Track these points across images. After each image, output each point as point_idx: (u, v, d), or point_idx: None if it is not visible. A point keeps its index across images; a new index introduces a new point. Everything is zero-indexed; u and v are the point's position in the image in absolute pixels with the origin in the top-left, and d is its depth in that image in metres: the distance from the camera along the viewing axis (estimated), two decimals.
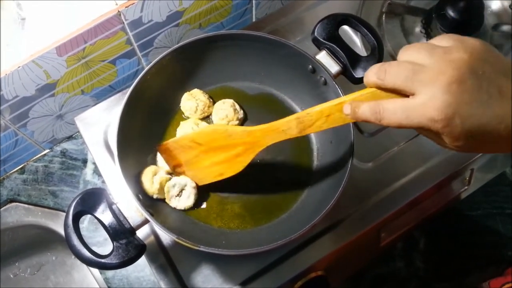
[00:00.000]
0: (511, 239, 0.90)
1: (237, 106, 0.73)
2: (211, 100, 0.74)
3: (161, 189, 0.66)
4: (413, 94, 0.44)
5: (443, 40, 0.46)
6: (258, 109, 0.75)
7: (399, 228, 0.79)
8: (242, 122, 0.74)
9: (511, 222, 0.91)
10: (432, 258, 0.88)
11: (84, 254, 0.57)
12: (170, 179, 0.67)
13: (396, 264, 0.87)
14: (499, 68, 0.43)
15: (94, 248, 0.59)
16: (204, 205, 0.69)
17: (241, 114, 0.73)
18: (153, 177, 0.65)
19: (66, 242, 0.58)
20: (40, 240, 0.88)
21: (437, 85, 0.42)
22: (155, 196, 0.65)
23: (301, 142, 0.73)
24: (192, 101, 0.72)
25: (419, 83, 0.43)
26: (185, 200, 0.67)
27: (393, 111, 0.45)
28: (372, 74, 0.47)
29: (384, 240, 0.78)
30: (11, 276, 0.90)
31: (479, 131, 0.42)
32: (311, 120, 0.56)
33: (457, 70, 0.42)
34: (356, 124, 0.78)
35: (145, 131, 0.71)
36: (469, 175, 0.81)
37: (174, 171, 0.68)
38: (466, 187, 0.83)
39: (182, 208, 0.67)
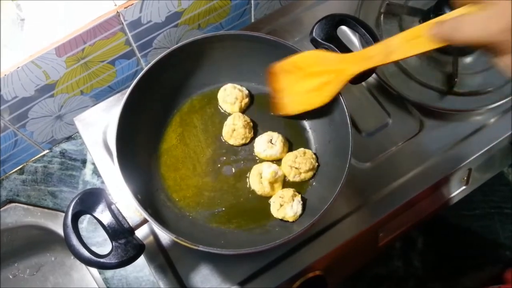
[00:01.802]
0: (509, 239, 0.90)
1: (237, 86, 0.74)
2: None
3: (271, 187, 0.68)
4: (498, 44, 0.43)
5: None
6: (257, 109, 0.75)
7: (397, 228, 0.79)
8: (250, 98, 0.75)
9: (509, 222, 0.91)
10: (430, 258, 0.88)
11: (83, 254, 0.57)
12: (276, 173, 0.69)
13: (394, 263, 0.88)
14: None
15: (94, 248, 0.59)
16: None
17: (245, 90, 0.75)
18: (260, 177, 0.68)
19: (65, 242, 0.58)
20: (39, 241, 0.88)
21: None
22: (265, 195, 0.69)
23: (300, 142, 0.73)
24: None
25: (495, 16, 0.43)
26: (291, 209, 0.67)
27: (470, 22, 0.45)
28: (448, 28, 0.48)
29: (382, 240, 0.78)
30: (10, 276, 0.90)
31: None
32: (397, 44, 0.57)
33: None
34: (354, 124, 0.79)
35: (144, 132, 0.71)
36: (467, 175, 0.81)
37: (276, 94, 0.71)
38: (464, 187, 0.83)
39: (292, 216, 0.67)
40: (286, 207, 0.66)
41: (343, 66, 0.64)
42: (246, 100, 0.74)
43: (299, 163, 0.69)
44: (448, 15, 0.51)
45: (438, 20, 0.51)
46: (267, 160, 0.71)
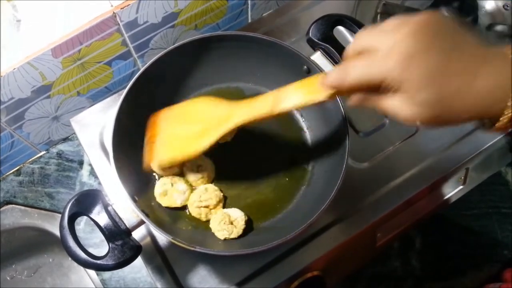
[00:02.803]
0: (507, 238, 0.90)
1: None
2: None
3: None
4: (375, 81, 0.44)
5: (391, 22, 0.46)
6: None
7: (395, 228, 0.79)
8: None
9: (507, 221, 0.91)
10: (428, 257, 0.88)
11: (80, 255, 0.57)
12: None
13: (392, 263, 0.87)
14: (454, 27, 0.43)
15: (91, 250, 0.59)
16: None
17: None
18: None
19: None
20: (37, 242, 0.88)
21: (395, 39, 0.42)
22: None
23: (297, 142, 0.73)
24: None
25: (377, 67, 0.43)
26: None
27: (356, 65, 0.45)
28: (335, 73, 0.48)
29: (380, 240, 0.78)
30: (8, 278, 0.90)
31: (439, 81, 0.41)
32: (286, 94, 0.56)
33: (416, 27, 0.42)
34: (351, 124, 0.79)
35: (141, 132, 0.71)
36: (464, 174, 0.81)
37: (147, 144, 0.67)
38: (461, 187, 0.83)
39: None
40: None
41: (229, 113, 0.61)
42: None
43: (205, 200, 0.66)
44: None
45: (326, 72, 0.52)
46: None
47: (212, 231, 0.66)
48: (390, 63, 0.42)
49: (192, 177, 0.69)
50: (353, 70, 0.46)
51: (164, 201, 0.67)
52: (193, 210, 0.67)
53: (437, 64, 0.41)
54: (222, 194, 0.68)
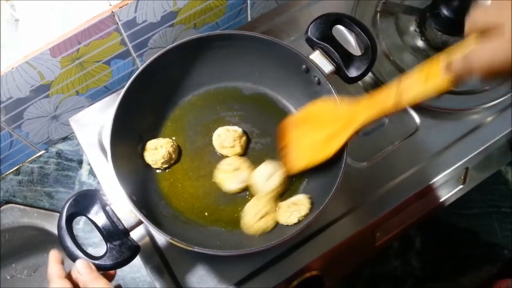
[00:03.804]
0: (507, 238, 0.90)
1: (230, 127, 0.72)
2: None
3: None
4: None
5: None
6: (253, 109, 0.75)
7: (394, 227, 0.79)
8: (245, 136, 0.73)
9: (507, 221, 0.91)
10: (428, 257, 0.88)
11: (77, 255, 0.57)
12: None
13: (391, 263, 0.87)
14: None
15: (90, 249, 0.59)
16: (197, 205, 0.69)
17: (239, 129, 0.72)
18: None
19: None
20: (36, 241, 0.88)
21: None
22: None
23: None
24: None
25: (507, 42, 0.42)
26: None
27: (481, 53, 0.44)
28: (460, 65, 0.47)
29: (379, 239, 0.78)
30: (8, 277, 0.90)
31: None
32: (408, 85, 0.54)
33: None
34: None
35: (139, 132, 0.71)
36: (464, 174, 0.81)
37: (280, 152, 0.69)
38: (461, 186, 0.82)
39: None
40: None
41: (354, 113, 0.61)
42: (244, 138, 0.72)
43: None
44: (455, 53, 0.49)
45: (447, 59, 0.49)
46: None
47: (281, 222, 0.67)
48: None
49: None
50: (479, 60, 0.45)
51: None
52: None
53: None
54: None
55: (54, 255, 0.58)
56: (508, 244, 0.90)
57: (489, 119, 0.80)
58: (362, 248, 0.78)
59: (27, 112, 0.76)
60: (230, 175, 0.69)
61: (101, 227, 0.58)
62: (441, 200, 0.82)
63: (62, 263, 0.58)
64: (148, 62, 0.66)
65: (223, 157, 0.72)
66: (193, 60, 0.73)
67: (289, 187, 0.70)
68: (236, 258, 0.70)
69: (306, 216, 0.65)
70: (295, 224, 0.65)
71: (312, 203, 0.66)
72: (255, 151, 0.73)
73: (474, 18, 0.46)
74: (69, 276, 0.57)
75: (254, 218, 0.66)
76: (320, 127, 0.65)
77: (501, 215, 0.92)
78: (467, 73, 0.47)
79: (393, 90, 0.56)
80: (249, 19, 0.93)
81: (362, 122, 0.60)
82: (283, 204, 0.67)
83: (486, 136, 0.79)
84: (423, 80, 0.52)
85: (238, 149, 0.71)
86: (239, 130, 0.71)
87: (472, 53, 0.46)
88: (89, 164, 0.84)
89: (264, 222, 0.66)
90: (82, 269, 0.56)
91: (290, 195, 0.69)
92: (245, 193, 0.70)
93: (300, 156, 0.67)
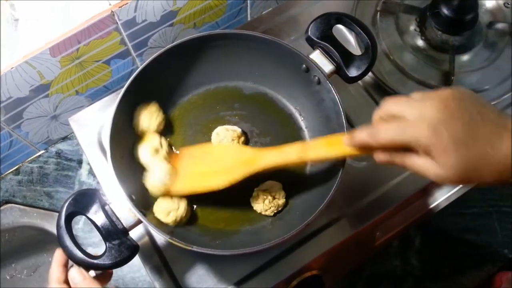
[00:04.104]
0: (507, 237, 0.90)
1: (229, 127, 0.71)
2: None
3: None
4: (404, 144, 0.48)
5: (416, 95, 0.50)
6: (253, 108, 0.75)
7: (394, 227, 0.79)
8: (244, 135, 0.73)
9: (507, 220, 0.91)
10: (428, 256, 0.88)
11: (76, 254, 0.57)
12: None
13: (391, 263, 0.87)
14: (475, 99, 0.48)
15: (89, 249, 0.59)
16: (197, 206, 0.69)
17: (237, 129, 0.71)
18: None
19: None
20: (36, 241, 0.88)
21: (422, 110, 0.47)
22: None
23: (296, 141, 0.73)
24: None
25: (408, 132, 0.47)
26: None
27: (387, 129, 0.49)
28: (364, 134, 0.51)
29: (379, 239, 0.78)
30: (8, 277, 0.90)
31: (465, 146, 0.45)
32: (314, 146, 0.60)
33: (439, 100, 0.47)
34: (350, 123, 0.78)
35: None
36: None
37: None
38: (461, 185, 0.82)
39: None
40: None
41: (255, 156, 0.63)
42: (242, 138, 0.71)
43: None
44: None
45: (351, 132, 0.54)
46: None
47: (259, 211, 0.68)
48: (419, 130, 0.46)
49: None
50: (384, 132, 0.49)
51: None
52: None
53: (463, 131, 0.45)
54: None
55: (57, 257, 0.59)
56: (508, 243, 0.90)
57: None
58: (362, 248, 0.78)
59: (26, 112, 0.76)
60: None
61: (100, 227, 0.58)
62: (441, 199, 0.82)
63: (66, 265, 0.59)
64: (147, 61, 0.66)
65: None
66: (193, 60, 0.72)
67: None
68: (236, 258, 0.70)
69: (282, 207, 0.68)
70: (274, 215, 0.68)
71: (285, 191, 0.68)
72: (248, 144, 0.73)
73: (384, 106, 0.51)
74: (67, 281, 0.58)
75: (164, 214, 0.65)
76: (215, 161, 0.66)
77: (501, 214, 0.91)
78: (368, 144, 0.51)
79: (298, 147, 0.61)
80: (249, 19, 0.93)
81: (261, 167, 0.62)
82: (259, 193, 0.68)
83: None
84: (327, 145, 0.58)
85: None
86: (238, 130, 0.71)
87: (376, 127, 0.50)
88: (88, 164, 0.84)
89: (174, 216, 0.65)
90: (75, 277, 0.57)
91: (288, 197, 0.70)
92: (241, 193, 0.70)
93: (187, 182, 0.66)
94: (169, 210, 0.64)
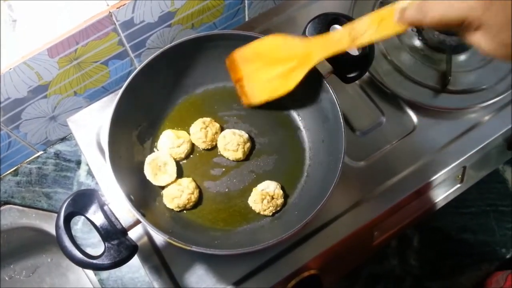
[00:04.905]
0: (505, 237, 0.90)
1: (237, 131, 0.72)
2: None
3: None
4: (455, 21, 0.46)
5: None
6: (251, 108, 0.75)
7: (392, 226, 0.79)
8: (250, 142, 0.73)
9: (504, 220, 0.91)
10: (426, 256, 0.88)
11: (75, 255, 0.57)
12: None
13: (390, 262, 0.87)
14: None
15: (88, 250, 0.59)
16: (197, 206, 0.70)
17: (245, 134, 0.72)
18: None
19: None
20: (35, 242, 0.88)
21: None
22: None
23: (293, 141, 0.73)
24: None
25: (458, 9, 0.45)
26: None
27: (436, 5, 0.47)
28: (414, 10, 0.49)
29: (377, 238, 0.78)
30: (7, 278, 0.90)
31: None
32: (362, 28, 0.56)
33: None
34: (348, 123, 0.79)
35: (137, 132, 0.71)
36: (461, 172, 0.81)
37: (236, 84, 0.72)
38: (459, 185, 0.83)
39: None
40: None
41: (308, 51, 0.63)
42: (248, 144, 0.72)
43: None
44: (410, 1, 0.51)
45: (401, 5, 0.52)
46: None
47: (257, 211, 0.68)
48: (471, 3, 0.44)
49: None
50: (433, 10, 0.47)
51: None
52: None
53: None
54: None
55: None
56: (505, 242, 0.90)
57: (487, 118, 0.80)
58: (360, 247, 0.79)
59: (25, 113, 0.76)
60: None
61: (99, 227, 0.58)
62: (439, 199, 0.82)
63: None
64: (145, 62, 0.66)
65: (223, 157, 0.72)
66: (191, 60, 0.73)
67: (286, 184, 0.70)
68: (234, 258, 0.71)
69: (281, 207, 0.69)
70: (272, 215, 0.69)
71: (283, 191, 0.69)
72: (253, 150, 0.74)
73: (442, 14, 0.48)
74: None
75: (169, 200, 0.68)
76: (273, 63, 0.66)
77: (499, 213, 0.92)
78: (419, 21, 0.49)
79: (347, 31, 0.58)
80: (246, 19, 0.93)
81: (317, 60, 0.63)
82: (257, 191, 0.68)
83: (483, 135, 0.79)
84: (376, 24, 0.55)
85: (240, 154, 0.70)
86: (245, 135, 0.71)
87: (428, 3, 0.48)
88: (87, 164, 0.84)
89: (177, 202, 0.67)
90: None
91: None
92: (240, 192, 0.70)
93: (258, 91, 0.69)
94: (172, 197, 0.67)
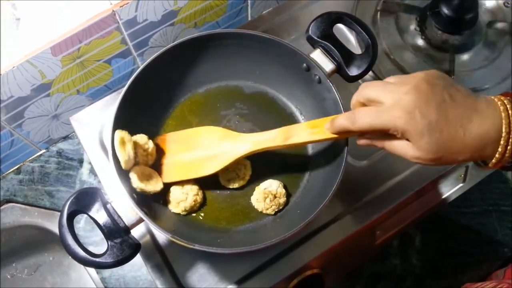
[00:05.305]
0: (507, 236, 0.90)
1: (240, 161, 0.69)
2: None
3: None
4: (382, 128, 0.51)
5: (392, 79, 0.53)
6: (254, 107, 0.75)
7: (395, 226, 0.79)
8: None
9: (507, 219, 0.91)
10: (428, 255, 0.88)
11: (78, 253, 0.57)
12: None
13: (391, 261, 0.87)
14: (448, 82, 0.51)
15: (91, 248, 0.59)
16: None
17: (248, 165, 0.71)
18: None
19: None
20: (37, 241, 0.88)
21: (398, 95, 0.49)
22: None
23: None
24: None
25: (385, 117, 0.50)
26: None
27: (365, 114, 0.52)
28: (343, 119, 0.54)
29: (380, 238, 0.78)
30: (8, 276, 0.90)
31: (438, 129, 0.48)
32: (297, 130, 0.62)
33: (413, 85, 0.49)
34: None
35: (140, 131, 0.71)
36: (464, 172, 0.81)
37: (159, 163, 0.68)
38: (461, 184, 0.83)
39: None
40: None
41: (236, 143, 0.65)
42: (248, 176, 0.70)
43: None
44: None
45: (332, 117, 0.58)
46: None
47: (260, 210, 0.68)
48: (396, 115, 0.49)
49: None
50: (363, 117, 0.52)
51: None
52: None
53: (436, 115, 0.48)
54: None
55: None
56: (507, 242, 0.90)
57: None
58: (363, 247, 0.79)
59: (28, 111, 0.76)
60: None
61: (102, 225, 0.58)
62: (441, 198, 0.82)
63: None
64: (148, 61, 0.66)
65: None
66: (193, 59, 0.73)
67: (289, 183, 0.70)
68: (237, 256, 0.71)
69: (283, 205, 0.69)
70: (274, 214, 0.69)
71: (286, 189, 0.69)
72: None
73: (362, 90, 0.54)
74: None
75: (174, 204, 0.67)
76: (198, 149, 0.67)
77: (501, 213, 0.92)
78: (346, 128, 0.54)
79: (282, 131, 0.63)
80: (249, 18, 0.93)
81: (243, 153, 0.64)
82: (260, 190, 0.68)
83: None
84: (309, 130, 0.61)
85: (239, 183, 0.70)
86: (247, 165, 0.71)
87: (355, 112, 0.53)
88: (89, 163, 0.85)
89: (183, 206, 0.67)
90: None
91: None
92: (242, 191, 0.70)
93: (173, 172, 0.67)
94: (178, 201, 0.66)
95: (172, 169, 0.67)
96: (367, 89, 0.53)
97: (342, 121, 0.54)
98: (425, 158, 0.50)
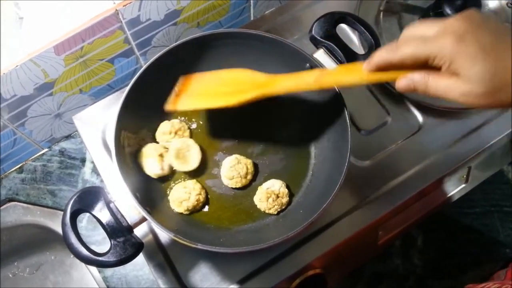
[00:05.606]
0: (509, 237, 0.90)
1: (242, 160, 0.71)
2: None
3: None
4: (427, 58, 0.45)
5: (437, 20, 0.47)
6: (255, 107, 0.75)
7: (397, 226, 0.79)
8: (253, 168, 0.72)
9: (508, 220, 0.91)
10: (430, 255, 0.88)
11: (82, 252, 0.57)
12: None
13: (394, 261, 0.87)
14: (489, 17, 0.48)
15: (93, 247, 0.59)
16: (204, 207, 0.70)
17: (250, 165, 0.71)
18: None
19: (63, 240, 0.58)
20: (39, 240, 0.88)
21: (445, 24, 0.44)
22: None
23: (298, 140, 0.73)
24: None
25: (431, 43, 0.45)
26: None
27: (408, 42, 0.47)
28: (383, 51, 0.49)
29: (382, 238, 0.78)
30: (10, 275, 0.90)
31: (495, 52, 0.42)
32: (332, 72, 0.59)
33: (462, 15, 0.44)
34: (354, 122, 0.79)
35: (142, 130, 0.71)
36: (466, 172, 0.81)
37: (174, 95, 0.68)
38: (463, 185, 0.83)
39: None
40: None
41: (268, 81, 0.62)
42: (251, 173, 0.71)
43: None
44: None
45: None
46: None
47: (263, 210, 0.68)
48: (442, 41, 0.43)
49: None
50: (406, 46, 0.46)
51: None
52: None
53: (489, 40, 0.42)
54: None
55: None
56: (509, 243, 0.90)
57: (492, 118, 0.80)
58: (365, 247, 0.79)
59: (30, 110, 0.76)
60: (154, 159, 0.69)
61: (105, 224, 0.58)
62: (443, 199, 0.82)
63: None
64: (151, 60, 0.67)
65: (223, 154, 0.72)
66: (196, 59, 0.73)
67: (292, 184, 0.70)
68: (239, 256, 0.71)
69: (286, 205, 0.69)
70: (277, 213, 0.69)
71: (288, 189, 0.69)
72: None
73: (408, 29, 0.48)
74: None
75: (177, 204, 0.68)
76: (226, 85, 0.65)
77: (503, 214, 0.92)
78: (387, 60, 0.49)
79: (316, 72, 0.59)
80: (252, 18, 0.93)
81: (276, 90, 0.61)
82: (262, 190, 0.68)
83: (488, 136, 0.79)
84: (345, 71, 0.57)
85: (241, 182, 0.70)
86: (250, 164, 0.70)
87: (400, 41, 0.48)
88: (92, 162, 0.85)
89: (186, 205, 0.67)
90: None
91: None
92: (245, 191, 0.70)
93: (191, 98, 0.65)
94: (181, 200, 0.66)
95: (191, 98, 0.65)
96: (411, 28, 0.48)
97: (382, 52, 0.49)
98: (476, 93, 0.43)
